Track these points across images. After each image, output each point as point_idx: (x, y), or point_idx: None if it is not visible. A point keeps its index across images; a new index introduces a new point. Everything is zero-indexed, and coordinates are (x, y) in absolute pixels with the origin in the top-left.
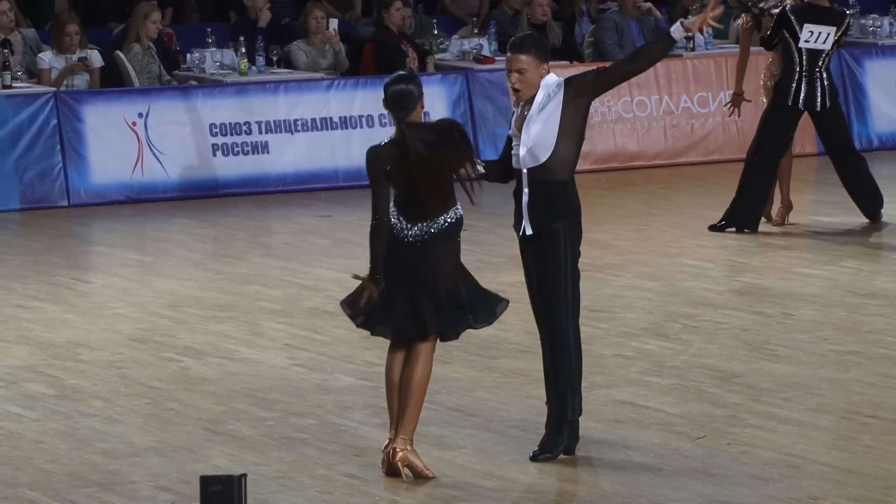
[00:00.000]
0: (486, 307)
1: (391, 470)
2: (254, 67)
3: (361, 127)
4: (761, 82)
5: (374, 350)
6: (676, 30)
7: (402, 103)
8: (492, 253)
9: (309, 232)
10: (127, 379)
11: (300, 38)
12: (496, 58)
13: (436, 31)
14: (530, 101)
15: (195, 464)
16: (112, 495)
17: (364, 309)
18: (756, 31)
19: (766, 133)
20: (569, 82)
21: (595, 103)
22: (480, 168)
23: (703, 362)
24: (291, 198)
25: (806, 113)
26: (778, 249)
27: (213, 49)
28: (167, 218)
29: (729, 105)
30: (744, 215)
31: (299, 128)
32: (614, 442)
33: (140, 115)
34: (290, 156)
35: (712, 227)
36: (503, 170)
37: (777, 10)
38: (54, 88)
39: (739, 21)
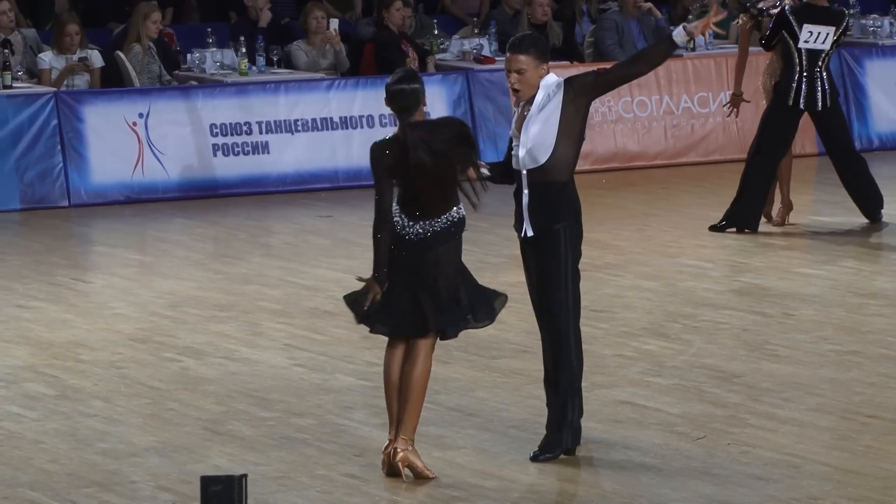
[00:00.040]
0: (486, 305)
1: (392, 470)
2: (254, 67)
3: (362, 127)
4: (761, 83)
5: (375, 350)
6: (678, 34)
7: (403, 104)
8: (492, 253)
9: (309, 232)
10: (127, 379)
11: (300, 39)
12: (496, 58)
13: (436, 31)
14: (530, 102)
15: (195, 464)
16: (112, 495)
17: (370, 310)
18: (756, 32)
19: (766, 133)
20: (568, 83)
21: (595, 103)
22: (485, 171)
23: (703, 362)
24: (292, 198)
25: (806, 113)
26: (778, 249)
27: (214, 49)
28: (167, 218)
29: (728, 105)
30: (744, 215)
31: (300, 128)
32: (615, 442)
33: (140, 115)
34: (290, 156)
35: (713, 228)
36: (507, 171)
37: (776, 11)
38: (55, 88)
39: (738, 22)
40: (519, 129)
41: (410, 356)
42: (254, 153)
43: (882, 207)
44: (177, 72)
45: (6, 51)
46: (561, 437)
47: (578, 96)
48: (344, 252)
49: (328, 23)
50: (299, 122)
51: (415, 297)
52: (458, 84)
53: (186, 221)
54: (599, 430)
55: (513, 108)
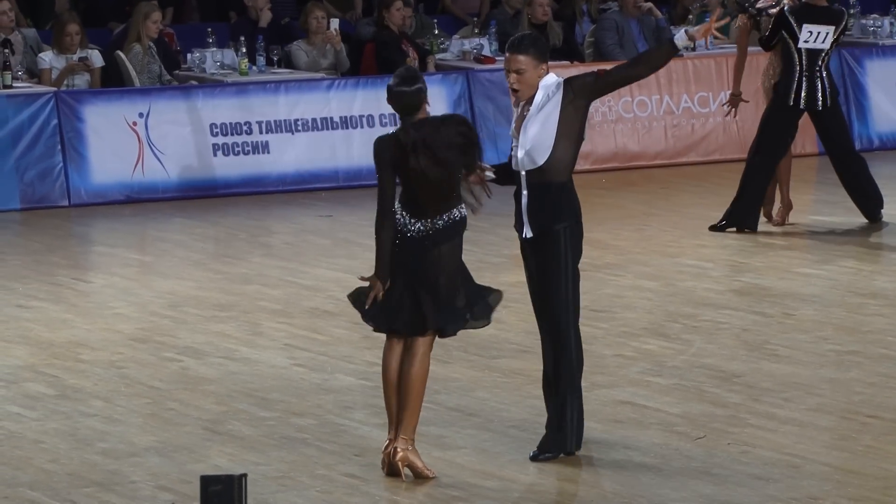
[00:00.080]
0: (483, 304)
1: (392, 470)
2: (254, 67)
3: (362, 127)
4: (761, 83)
5: (374, 350)
6: (680, 38)
7: (405, 105)
8: (492, 253)
9: (309, 232)
10: (127, 379)
11: (301, 38)
12: (497, 58)
13: (436, 31)
14: (529, 102)
15: (195, 464)
16: (112, 495)
17: (368, 307)
18: (756, 32)
19: (766, 133)
20: (568, 83)
21: (596, 103)
22: (490, 174)
23: (703, 362)
24: (292, 198)
25: (806, 113)
26: (778, 249)
27: (214, 49)
28: (167, 218)
29: (727, 105)
30: (744, 215)
31: (300, 128)
32: (615, 442)
33: (140, 114)
34: (290, 156)
35: (713, 228)
36: (511, 172)
37: (774, 10)
38: (55, 88)
39: (737, 22)
40: (518, 129)
41: (409, 355)
42: (254, 153)
43: (882, 207)
44: (177, 72)
45: (6, 50)
46: (560, 438)
47: (578, 97)
48: (344, 252)
49: (328, 23)
50: (299, 122)
51: (415, 295)
52: (458, 84)
53: (186, 221)
54: (599, 430)
55: (513, 108)
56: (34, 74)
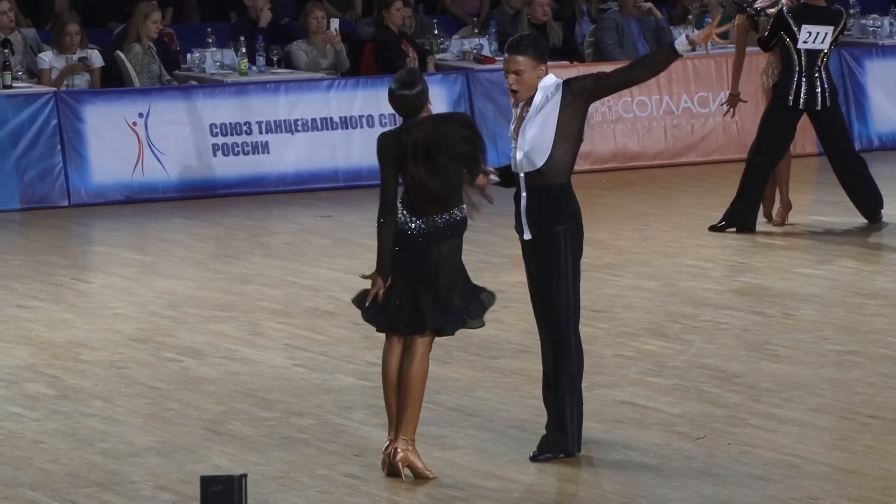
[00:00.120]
0: (478, 303)
1: (392, 470)
2: (254, 67)
3: (362, 127)
4: (760, 83)
5: (374, 350)
6: (681, 42)
7: (406, 110)
8: (492, 253)
9: (309, 232)
10: (127, 379)
11: (300, 38)
12: (496, 58)
13: (436, 31)
14: (528, 103)
15: (195, 464)
16: (112, 495)
17: (369, 306)
18: (754, 32)
19: (766, 134)
20: (567, 84)
21: (596, 103)
22: (495, 178)
23: (703, 362)
24: (292, 198)
25: (806, 113)
26: (778, 249)
27: (214, 49)
28: (167, 218)
29: (725, 105)
30: (744, 215)
31: (299, 128)
32: (615, 442)
33: (140, 114)
34: (290, 156)
35: (713, 228)
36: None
37: (772, 11)
38: (55, 88)
39: (735, 22)
40: (517, 131)
41: (408, 355)
42: (254, 153)
43: (882, 208)
44: (177, 72)
45: (6, 51)
46: (561, 440)
47: (577, 99)
48: (344, 252)
49: (328, 23)
50: (299, 122)
51: (414, 294)
52: (458, 84)
53: (186, 221)
54: (599, 430)
55: (512, 110)
56: (34, 74)
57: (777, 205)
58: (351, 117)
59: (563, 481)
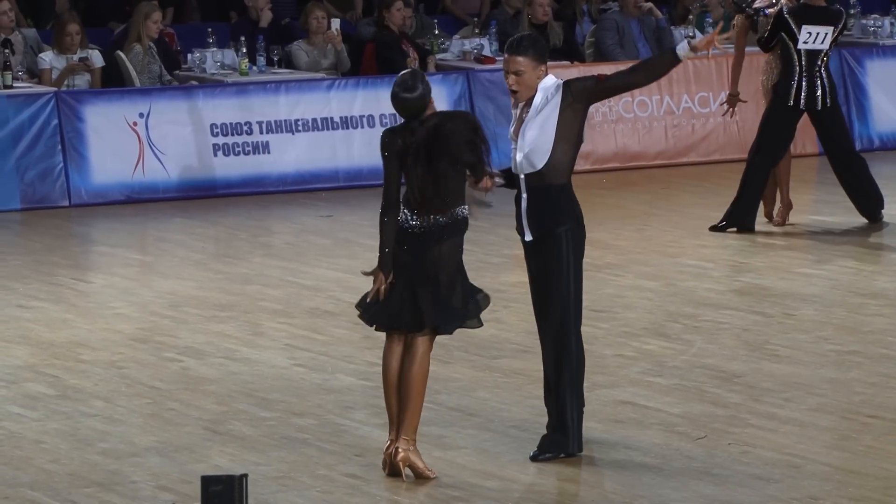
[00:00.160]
0: (475, 304)
1: (393, 470)
2: (254, 67)
3: (362, 127)
4: (761, 83)
5: (375, 350)
6: (682, 48)
7: (409, 112)
8: (492, 253)
9: (310, 232)
10: (128, 379)
11: (301, 39)
12: (497, 58)
13: (437, 31)
14: (528, 104)
15: (196, 464)
16: (113, 495)
17: (370, 304)
18: (752, 32)
19: (766, 133)
20: (567, 86)
21: (596, 102)
22: (499, 180)
23: (703, 362)
24: (292, 198)
25: (806, 113)
26: (779, 249)
27: (214, 49)
28: (168, 218)
29: (725, 105)
30: (744, 215)
31: (300, 128)
32: (615, 442)
33: (141, 114)
34: (290, 156)
35: (713, 228)
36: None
37: (771, 11)
38: (55, 88)
39: (734, 22)
40: (516, 133)
41: (409, 355)
42: (254, 153)
43: (882, 208)
44: (177, 72)
45: (7, 51)
46: (562, 440)
47: (577, 100)
48: (344, 252)
49: (329, 23)
50: (300, 122)
51: (413, 292)
52: (458, 84)
53: (187, 221)
54: (600, 430)
55: (512, 111)
56: (34, 74)
57: (778, 205)
58: (351, 117)
59: (564, 481)
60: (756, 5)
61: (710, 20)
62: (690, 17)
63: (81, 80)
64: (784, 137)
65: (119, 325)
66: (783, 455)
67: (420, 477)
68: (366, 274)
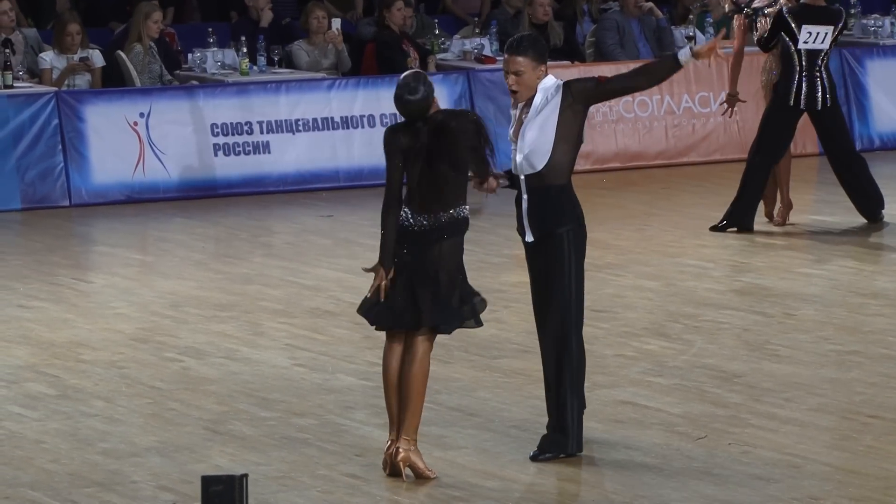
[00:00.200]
0: (471, 308)
1: (394, 470)
2: (255, 67)
3: (363, 127)
4: (762, 83)
5: (376, 350)
6: (684, 54)
7: (412, 114)
8: (493, 253)
9: (310, 232)
10: (128, 379)
11: (301, 38)
12: (497, 57)
13: (437, 31)
14: (528, 104)
15: (196, 464)
16: (113, 495)
17: (371, 301)
18: (751, 33)
19: (766, 133)
20: (567, 86)
21: None
22: (504, 181)
23: (704, 362)
24: (292, 198)
25: (806, 113)
26: (779, 249)
27: (215, 49)
28: (168, 218)
29: (724, 105)
30: (744, 215)
31: (300, 128)
32: (615, 442)
33: (141, 114)
34: (291, 156)
35: (713, 228)
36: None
37: (770, 10)
38: (56, 88)
39: (733, 22)
40: (516, 134)
41: (409, 355)
42: (255, 153)
43: (882, 208)
44: (178, 71)
45: (7, 50)
46: (562, 440)
47: (577, 102)
48: (345, 252)
49: (329, 22)
50: (300, 122)
51: (413, 290)
52: (459, 84)
53: (187, 221)
54: (600, 430)
55: (511, 112)
56: (35, 74)
57: (778, 205)
58: (352, 117)
59: (564, 481)
60: (755, 5)
61: (711, 20)
62: (691, 16)
63: (82, 80)
64: (784, 137)
65: (119, 325)
66: (783, 455)
67: (420, 477)
68: (366, 270)
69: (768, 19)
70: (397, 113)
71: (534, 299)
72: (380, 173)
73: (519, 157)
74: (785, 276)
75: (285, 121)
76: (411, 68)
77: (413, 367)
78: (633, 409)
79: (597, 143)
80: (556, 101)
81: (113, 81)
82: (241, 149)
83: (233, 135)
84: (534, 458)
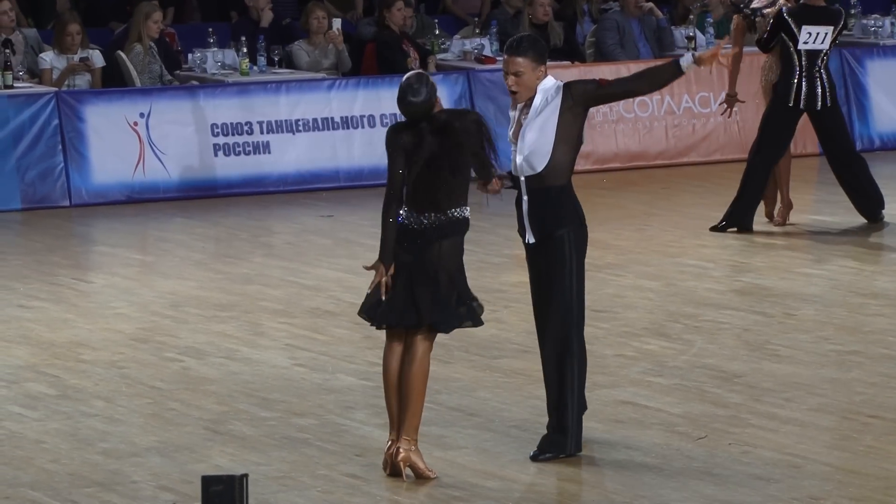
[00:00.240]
0: (470, 312)
1: (394, 470)
2: (255, 67)
3: (363, 127)
4: (762, 83)
5: (376, 350)
6: (686, 60)
7: (415, 116)
8: (493, 253)
9: (310, 232)
10: (128, 379)
11: (302, 38)
12: (497, 58)
13: (437, 31)
14: (527, 105)
15: (196, 464)
16: (113, 495)
17: (372, 300)
18: (750, 33)
19: (766, 133)
20: (567, 88)
21: None
22: (507, 182)
23: (704, 362)
24: (293, 198)
25: (806, 113)
26: (779, 249)
27: (215, 49)
28: (168, 218)
29: (724, 105)
30: (744, 215)
31: (300, 128)
32: (616, 442)
33: (141, 114)
34: (291, 156)
35: (713, 228)
36: None
37: (769, 11)
38: (56, 88)
39: (732, 22)
40: (516, 135)
41: (409, 355)
42: (255, 153)
43: (882, 208)
44: (178, 71)
45: (7, 51)
46: (561, 440)
47: (577, 103)
48: (345, 252)
49: (330, 23)
50: (300, 122)
51: (412, 289)
52: (459, 84)
53: (187, 221)
54: (601, 430)
55: (510, 113)
56: (35, 74)
57: (778, 205)
58: (352, 117)
59: (564, 481)
60: (753, 5)
61: (711, 20)
62: (691, 17)
63: (82, 80)
64: (784, 137)
65: (120, 325)
66: (784, 455)
67: (421, 477)
68: (367, 268)
69: (767, 20)
70: (398, 113)
71: (534, 300)
72: (380, 173)
73: (519, 159)
74: (785, 276)
75: (285, 121)
76: (411, 68)
77: (413, 367)
78: (633, 409)
79: (597, 144)
80: (556, 103)
81: (113, 81)
82: (241, 149)
83: (233, 135)
84: (534, 458)
